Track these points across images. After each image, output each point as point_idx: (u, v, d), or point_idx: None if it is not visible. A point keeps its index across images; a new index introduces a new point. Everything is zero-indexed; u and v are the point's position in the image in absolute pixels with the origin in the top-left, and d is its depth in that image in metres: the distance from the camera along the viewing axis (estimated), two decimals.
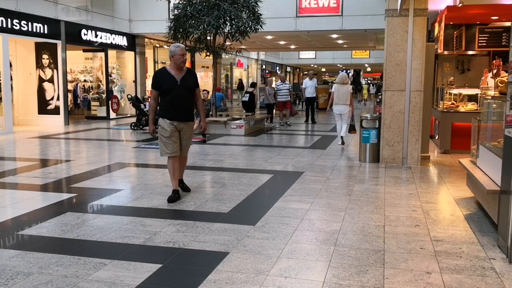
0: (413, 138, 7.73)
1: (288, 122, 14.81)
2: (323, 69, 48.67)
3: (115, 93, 17.34)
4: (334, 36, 19.04)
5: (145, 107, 13.88)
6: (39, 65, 14.64)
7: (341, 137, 10.21)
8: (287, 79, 25.15)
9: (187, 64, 26.89)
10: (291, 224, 4.54)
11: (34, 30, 13.34)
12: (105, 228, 4.39)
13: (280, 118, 15.22)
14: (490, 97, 5.55)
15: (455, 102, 9.70)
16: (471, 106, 9.24)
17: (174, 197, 5.37)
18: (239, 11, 12.22)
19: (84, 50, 16.74)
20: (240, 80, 30.42)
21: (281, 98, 14.90)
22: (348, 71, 49.68)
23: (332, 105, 10.23)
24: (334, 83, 10.60)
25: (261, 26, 12.59)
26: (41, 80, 14.68)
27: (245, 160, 8.39)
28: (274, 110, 15.80)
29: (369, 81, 45.98)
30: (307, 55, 35.55)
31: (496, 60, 6.02)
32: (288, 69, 41.50)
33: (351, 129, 9.98)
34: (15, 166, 7.72)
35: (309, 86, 16.34)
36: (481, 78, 8.44)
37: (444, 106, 9.48)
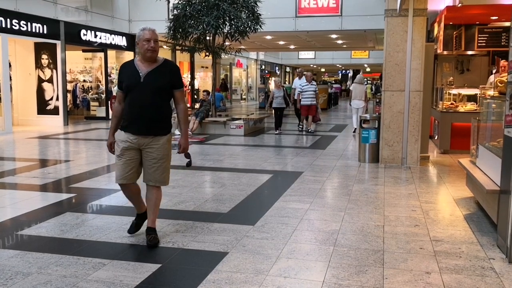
0: (412, 138, 7.73)
1: (310, 130, 12.54)
2: (323, 69, 48.67)
3: (114, 93, 17.33)
4: (334, 36, 19.05)
5: None
6: (39, 65, 14.63)
7: (355, 128, 12.21)
8: (286, 79, 24.68)
9: (186, 65, 26.65)
10: (290, 224, 4.53)
11: (34, 30, 13.33)
12: (105, 228, 4.38)
13: (305, 124, 12.85)
14: (489, 97, 5.55)
15: (454, 102, 9.71)
16: (470, 106, 9.25)
17: (133, 227, 4.18)
18: (238, 11, 12.22)
19: (84, 50, 16.73)
20: (224, 81, 27.40)
21: (306, 101, 12.50)
22: (348, 71, 49.70)
23: (351, 101, 12.63)
24: (353, 82, 12.99)
25: (260, 26, 12.59)
26: (40, 80, 14.67)
27: (245, 160, 8.39)
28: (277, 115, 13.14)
29: (368, 81, 46.03)
30: (306, 55, 35.56)
31: (503, 61, 6.02)
32: (288, 69, 41.52)
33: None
34: (15, 166, 7.72)
35: (297, 86, 13.96)
36: (487, 79, 8.48)
37: (444, 106, 9.48)
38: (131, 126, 3.86)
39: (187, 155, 4.09)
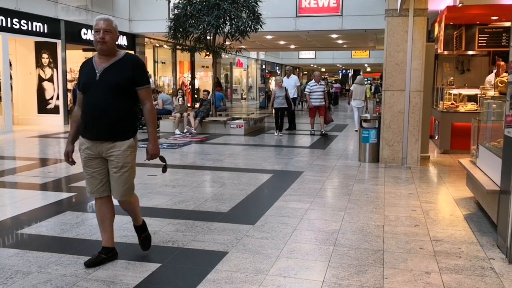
0: (412, 138, 7.73)
1: (323, 131, 12.14)
2: (323, 69, 48.67)
3: None
4: (334, 36, 19.05)
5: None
6: (39, 64, 14.63)
7: (356, 130, 12.32)
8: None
9: (187, 64, 26.60)
10: (290, 223, 4.54)
11: (34, 30, 13.33)
12: None
13: (311, 125, 12.36)
14: (489, 97, 5.55)
15: (454, 102, 9.71)
16: (470, 106, 9.25)
17: (94, 259, 3.47)
18: (239, 10, 12.22)
19: (84, 50, 16.71)
20: (217, 79, 26.56)
21: (315, 102, 12.06)
22: (348, 71, 49.71)
23: (351, 100, 13.04)
24: (354, 83, 13.41)
25: (261, 26, 12.59)
26: (40, 80, 14.67)
27: (245, 159, 8.39)
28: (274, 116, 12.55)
29: (369, 80, 46.10)
30: (307, 55, 35.56)
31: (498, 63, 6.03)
32: (288, 68, 41.51)
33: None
34: (15, 165, 7.72)
35: (287, 85, 13.28)
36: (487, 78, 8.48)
37: (444, 106, 9.48)
38: (87, 131, 3.41)
39: (162, 159, 3.67)
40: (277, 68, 38.16)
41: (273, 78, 35.37)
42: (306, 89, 12.40)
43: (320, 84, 12.22)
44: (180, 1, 12.34)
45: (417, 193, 5.91)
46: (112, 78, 3.33)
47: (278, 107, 12.06)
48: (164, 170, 3.75)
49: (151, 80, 16.51)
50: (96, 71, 3.36)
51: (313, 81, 12.38)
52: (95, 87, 3.34)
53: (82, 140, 3.45)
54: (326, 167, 7.57)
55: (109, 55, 3.39)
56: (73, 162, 3.53)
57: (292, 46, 25.18)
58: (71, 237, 4.13)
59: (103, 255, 3.50)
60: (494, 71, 8.74)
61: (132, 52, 17.94)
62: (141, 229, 3.80)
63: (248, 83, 33.78)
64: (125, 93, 3.38)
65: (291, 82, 13.81)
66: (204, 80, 25.99)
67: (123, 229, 4.32)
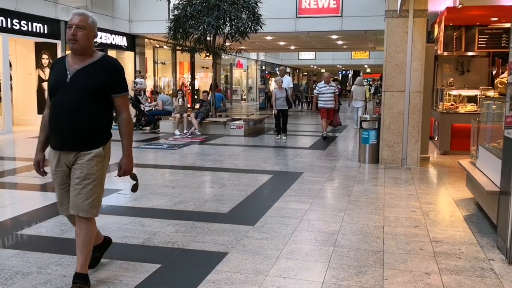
0: (412, 139, 7.73)
1: (325, 134, 11.50)
2: (323, 70, 48.71)
3: None
4: (334, 37, 19.05)
5: (145, 107, 13.91)
6: (39, 65, 14.63)
7: (356, 128, 12.88)
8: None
9: (187, 65, 26.55)
10: (290, 224, 4.54)
11: (34, 30, 13.33)
12: (104, 228, 4.38)
13: (323, 128, 11.71)
14: (489, 98, 5.56)
15: (454, 103, 9.72)
16: (470, 107, 9.25)
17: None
18: (239, 11, 12.23)
19: None
20: (215, 81, 26.16)
21: (325, 104, 11.60)
22: (348, 72, 49.76)
23: (352, 101, 13.82)
24: (354, 84, 14.10)
25: (261, 26, 12.60)
26: (40, 80, 14.66)
27: (245, 160, 8.39)
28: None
29: (369, 81, 46.16)
30: (307, 56, 35.57)
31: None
32: (288, 69, 41.53)
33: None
34: (15, 166, 7.72)
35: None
36: (487, 80, 8.46)
37: (444, 107, 9.49)
38: (53, 138, 3.07)
39: (134, 177, 3.29)
40: (277, 69, 38.17)
41: (273, 79, 35.33)
42: (315, 91, 12.00)
43: (330, 85, 11.71)
44: (180, 2, 12.35)
45: (417, 194, 5.91)
46: (84, 82, 2.97)
47: (279, 109, 11.58)
48: (134, 189, 3.37)
49: (143, 80, 16.41)
50: (68, 73, 2.99)
51: (322, 82, 11.95)
52: (64, 90, 2.97)
53: (50, 149, 3.09)
54: (326, 168, 7.58)
55: (84, 55, 3.02)
56: (44, 173, 3.16)
57: (292, 47, 25.19)
58: (71, 237, 4.12)
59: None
60: (494, 72, 8.76)
61: (132, 53, 17.98)
62: (83, 279, 3.09)
63: (248, 84, 33.79)
64: (98, 98, 3.01)
65: (284, 83, 12.80)
66: (204, 81, 25.99)
67: (123, 230, 4.32)
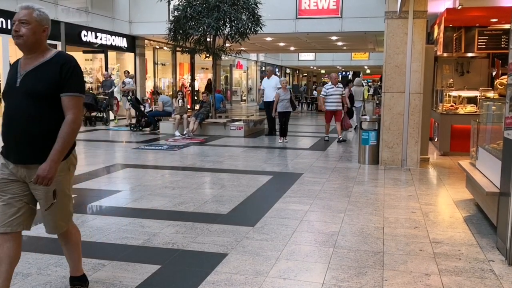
0: (412, 140, 7.74)
1: (340, 138, 11.14)
2: (323, 71, 48.74)
3: (114, 95, 17.34)
4: (334, 38, 19.07)
5: (145, 108, 13.91)
6: None
7: (356, 126, 13.53)
8: (287, 80, 23.93)
9: (187, 66, 26.47)
10: (290, 225, 4.54)
11: None
12: (104, 229, 4.38)
13: (326, 131, 11.56)
14: (489, 99, 5.56)
15: (454, 104, 9.72)
16: (470, 108, 9.26)
17: None
18: (239, 12, 12.24)
19: (84, 51, 16.74)
20: (210, 81, 21.67)
21: (331, 106, 11.02)
22: (348, 73, 49.78)
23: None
24: (354, 85, 14.64)
25: (260, 27, 12.61)
26: None
27: (245, 161, 8.39)
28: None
29: (369, 83, 46.16)
30: (306, 57, 35.62)
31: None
32: (288, 70, 41.56)
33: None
34: None
35: (266, 87, 12.22)
36: (487, 81, 8.46)
37: (444, 108, 9.49)
38: (5, 149, 2.73)
39: (54, 194, 2.72)
40: (277, 70, 38.20)
41: (286, 79, 35.31)
42: (322, 92, 11.30)
43: (338, 87, 11.11)
44: (180, 3, 12.36)
45: (416, 195, 5.91)
46: (34, 85, 2.63)
47: (282, 111, 11.06)
48: (47, 208, 2.77)
49: (131, 81, 16.02)
50: (18, 75, 2.69)
51: (329, 83, 11.31)
52: (15, 95, 2.66)
53: (1, 159, 2.77)
54: (326, 169, 7.58)
55: (34, 53, 2.71)
56: None
57: (292, 48, 25.22)
58: None
59: None
60: (494, 73, 8.76)
61: (132, 54, 17.97)
62: (79, 280, 3.06)
63: (248, 85, 33.80)
64: (52, 103, 2.64)
65: (271, 84, 12.12)
66: (203, 82, 26.04)
67: (123, 231, 4.32)
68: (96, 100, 14.35)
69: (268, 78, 12.38)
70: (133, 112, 14.03)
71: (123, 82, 15.96)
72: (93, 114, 14.54)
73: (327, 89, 11.09)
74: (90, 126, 14.12)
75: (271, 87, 12.02)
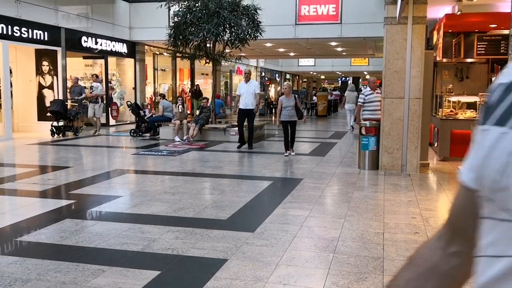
0: (412, 145, 7.74)
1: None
2: (322, 76, 48.83)
3: (114, 100, 17.37)
4: (333, 43, 19.12)
5: (145, 114, 13.92)
6: (39, 71, 14.66)
7: (351, 126, 15.58)
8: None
9: (187, 71, 26.47)
10: (290, 231, 4.53)
11: (34, 37, 13.37)
12: (104, 234, 4.38)
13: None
14: None
15: (454, 110, 9.73)
16: (470, 114, 9.27)
17: None
18: (238, 18, 12.28)
19: (84, 57, 16.78)
20: (198, 87, 22.19)
21: (372, 114, 8.74)
22: (348, 78, 49.89)
23: (345, 104, 16.61)
24: (347, 90, 17.22)
25: (260, 33, 12.64)
26: (41, 87, 14.70)
27: (244, 166, 8.39)
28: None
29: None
30: (306, 63, 35.67)
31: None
32: (288, 76, 41.64)
33: (354, 120, 13.29)
34: (15, 173, 7.71)
35: (243, 92, 10.57)
36: (486, 86, 8.47)
37: (443, 114, 9.50)
38: None
39: None
40: (277, 75, 38.26)
41: (272, 85, 35.41)
42: (360, 99, 9.32)
43: (377, 93, 8.95)
44: (180, 9, 12.40)
45: (416, 200, 5.90)
46: None
47: (286, 120, 9.46)
48: None
49: (99, 85, 14.49)
50: None
51: (368, 88, 9.32)
52: None
53: None
54: (326, 174, 7.57)
55: None
56: None
57: (292, 54, 25.27)
58: (70, 244, 4.12)
59: None
60: (493, 78, 8.77)
61: (132, 60, 18.00)
62: None
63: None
64: None
65: (249, 89, 10.55)
66: (203, 87, 26.07)
67: (123, 236, 4.31)
68: (65, 107, 13.06)
69: (246, 82, 10.73)
70: (103, 119, 13.09)
71: (91, 87, 14.46)
72: (61, 123, 12.96)
73: (366, 95, 9.04)
74: (59, 136, 12.61)
75: (249, 93, 10.52)
